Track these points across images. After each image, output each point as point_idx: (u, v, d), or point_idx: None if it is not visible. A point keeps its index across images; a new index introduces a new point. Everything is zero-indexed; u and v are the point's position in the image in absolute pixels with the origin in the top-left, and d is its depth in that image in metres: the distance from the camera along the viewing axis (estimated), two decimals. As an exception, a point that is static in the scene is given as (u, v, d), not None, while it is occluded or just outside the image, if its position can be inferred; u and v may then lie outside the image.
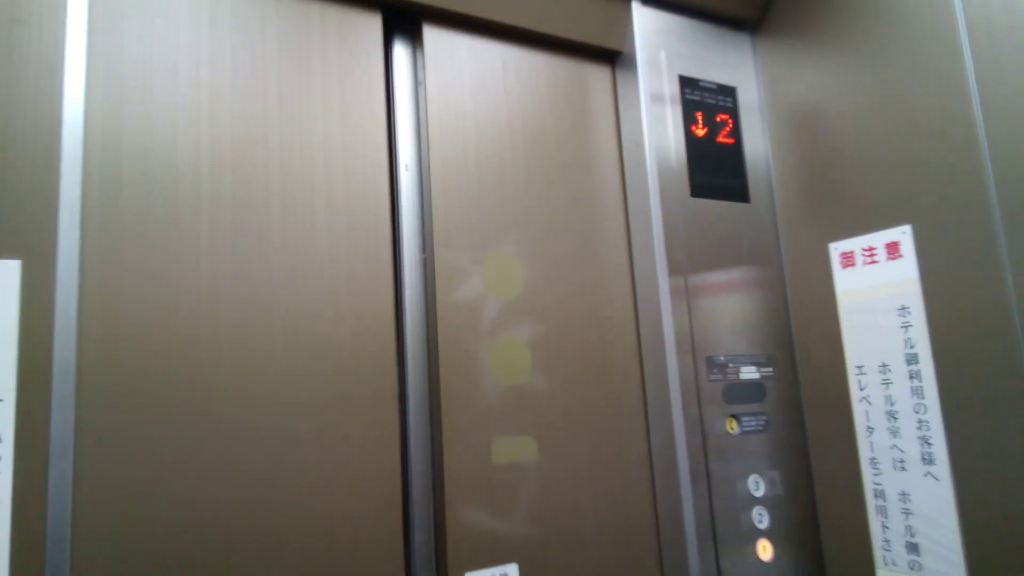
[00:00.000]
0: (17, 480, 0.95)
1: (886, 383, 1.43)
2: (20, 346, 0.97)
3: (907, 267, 1.40)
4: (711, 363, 1.52)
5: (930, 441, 1.36)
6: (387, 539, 1.22)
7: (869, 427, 1.47)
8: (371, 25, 1.38)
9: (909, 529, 1.39)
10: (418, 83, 1.44)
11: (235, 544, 1.10)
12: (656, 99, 1.58)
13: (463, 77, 1.46)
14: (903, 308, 1.40)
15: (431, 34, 1.44)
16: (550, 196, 1.51)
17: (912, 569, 1.38)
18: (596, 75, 1.64)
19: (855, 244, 1.49)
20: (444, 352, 1.33)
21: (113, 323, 1.06)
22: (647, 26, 1.61)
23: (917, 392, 1.38)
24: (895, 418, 1.42)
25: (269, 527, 1.13)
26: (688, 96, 1.61)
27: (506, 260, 1.43)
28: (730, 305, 1.57)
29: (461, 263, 1.38)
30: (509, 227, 1.44)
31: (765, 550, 1.49)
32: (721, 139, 1.63)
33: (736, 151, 1.65)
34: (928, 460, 1.36)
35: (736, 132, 1.66)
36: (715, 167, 1.61)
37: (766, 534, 1.50)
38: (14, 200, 1.00)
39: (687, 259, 1.54)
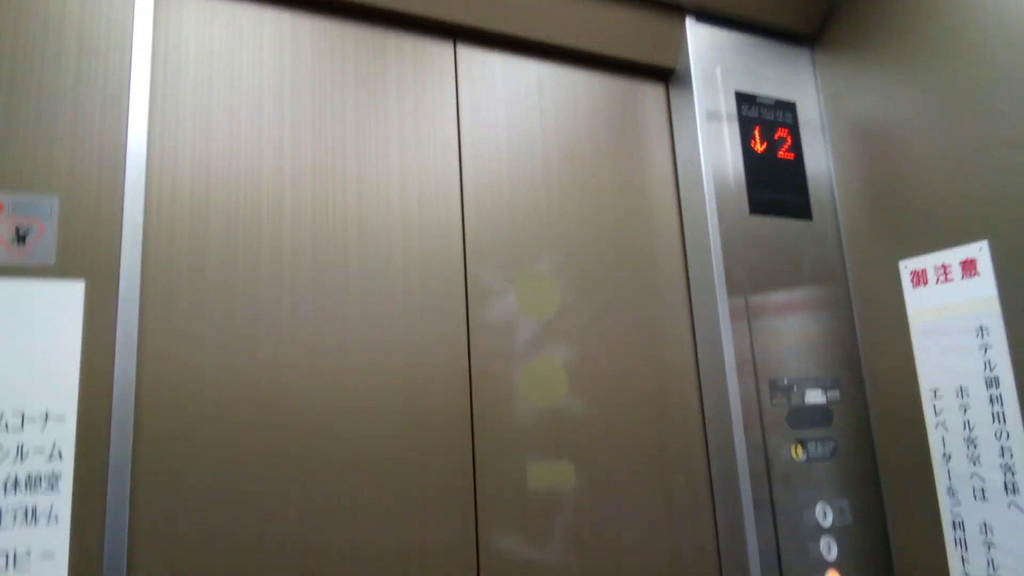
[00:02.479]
0: (76, 498, 0.93)
1: (964, 407, 1.31)
2: (83, 366, 0.95)
3: (984, 285, 1.28)
4: (774, 386, 1.42)
5: (1014, 470, 1.22)
6: (463, 567, 1.16)
7: (946, 454, 1.34)
8: (443, 53, 1.36)
9: (991, 563, 1.26)
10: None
11: (303, 573, 1.06)
12: (712, 116, 1.50)
13: (496, 95, 1.41)
14: (982, 328, 1.28)
15: (464, 53, 1.39)
16: (589, 215, 1.43)
17: (996, 606, 1.25)
18: (647, 92, 1.57)
19: (927, 262, 1.38)
20: (477, 373, 1.26)
21: (174, 346, 1.04)
22: (702, 42, 1.53)
23: (998, 417, 1.25)
24: (975, 445, 1.29)
25: (340, 551, 1.08)
26: (745, 112, 1.53)
27: (540, 279, 1.36)
28: (793, 325, 1.47)
29: (494, 282, 1.31)
30: (542, 246, 1.37)
31: (834, 582, 1.37)
32: (781, 154, 1.54)
33: (797, 166, 1.56)
34: (1012, 490, 1.23)
35: (796, 147, 1.57)
36: (775, 183, 1.52)
37: (835, 566, 1.38)
38: (79, 223, 0.99)
39: (747, 278, 1.44)
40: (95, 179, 1.01)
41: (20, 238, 0.94)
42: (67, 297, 0.96)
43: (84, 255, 0.98)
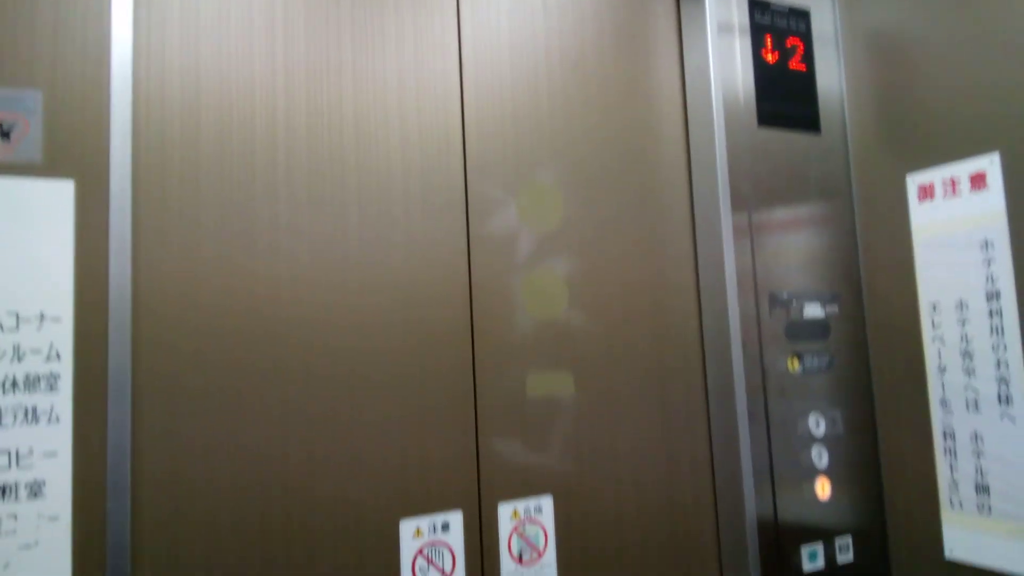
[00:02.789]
0: (77, 398, 0.92)
1: (963, 321, 1.30)
2: (76, 265, 0.93)
3: (993, 199, 1.25)
4: (774, 300, 1.41)
5: (1008, 381, 1.23)
6: (463, 465, 1.18)
7: (941, 367, 1.34)
8: None
9: (980, 471, 1.28)
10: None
11: (305, 485, 1.07)
12: (723, 23, 1.43)
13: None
14: (986, 243, 1.26)
15: None
16: (594, 123, 1.38)
17: (980, 511, 1.28)
18: (657, -3, 1.49)
19: (935, 175, 1.34)
20: (477, 283, 1.24)
21: (170, 245, 1.01)
22: (715, -57, 1.44)
23: (997, 331, 1.25)
24: (971, 357, 1.29)
25: (342, 449, 1.09)
26: (758, 20, 1.46)
27: (542, 190, 1.32)
28: (796, 240, 1.45)
29: (495, 193, 1.28)
30: (545, 156, 1.33)
31: (824, 488, 1.40)
32: (792, 65, 1.48)
33: (808, 78, 1.50)
34: (1006, 401, 1.24)
35: (808, 58, 1.50)
36: (785, 94, 1.46)
37: (825, 473, 1.41)
38: (65, 119, 0.94)
39: (752, 191, 1.41)
40: (79, 72, 0.95)
41: (4, 134, 0.89)
42: (56, 196, 0.92)
43: (72, 153, 0.94)
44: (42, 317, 0.91)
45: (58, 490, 0.90)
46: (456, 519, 1.18)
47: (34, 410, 0.89)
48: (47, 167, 0.92)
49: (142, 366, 0.97)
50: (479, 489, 1.21)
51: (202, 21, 1.07)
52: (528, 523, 1.24)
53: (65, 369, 0.91)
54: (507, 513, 1.23)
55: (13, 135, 0.90)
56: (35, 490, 0.89)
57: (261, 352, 1.06)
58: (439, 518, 1.17)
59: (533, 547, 1.24)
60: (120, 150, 0.96)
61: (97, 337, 0.93)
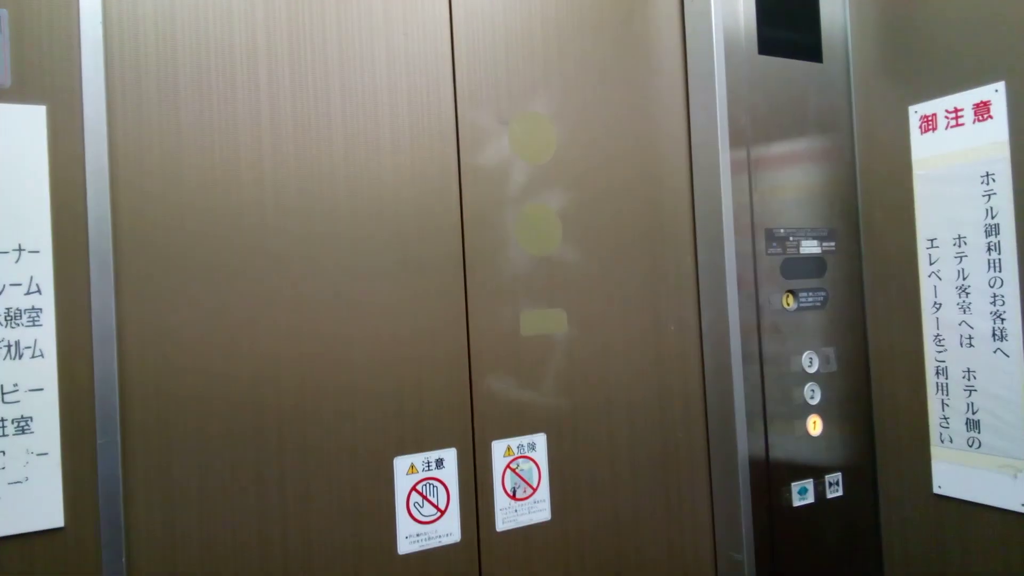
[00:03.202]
0: (61, 332, 0.93)
1: (960, 256, 1.34)
2: (52, 196, 0.93)
3: (996, 129, 1.27)
4: (770, 236, 1.44)
5: (1003, 317, 1.28)
6: (457, 403, 1.21)
7: (936, 303, 1.39)
8: None
9: (971, 406, 1.34)
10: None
11: (298, 423, 1.10)
12: (724, -58, 1.41)
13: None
14: (987, 175, 1.29)
15: None
16: (588, 51, 1.38)
17: (970, 446, 1.34)
18: (656, -84, 1.47)
19: (939, 105, 1.36)
20: (468, 219, 1.26)
21: (149, 171, 1.01)
22: None
23: (994, 265, 1.29)
24: (967, 293, 1.33)
25: (334, 381, 1.12)
26: (760, -61, 1.44)
27: (536, 121, 1.33)
28: (794, 176, 1.47)
29: (486, 123, 1.28)
30: (539, 84, 1.33)
31: (815, 425, 1.46)
32: (794, -11, 1.47)
33: (811, 3, 1.49)
34: (1000, 336, 1.29)
35: (811, -19, 1.50)
36: (787, 21, 1.46)
37: (817, 410, 1.47)
38: (33, 40, 0.93)
39: (751, 124, 1.42)
40: (45, -10, 0.93)
41: (-31, 55, 0.88)
42: (28, 123, 0.91)
43: (42, 77, 0.93)
44: (20, 249, 0.91)
45: (46, 426, 0.92)
46: (450, 456, 1.22)
47: (17, 344, 0.91)
48: (16, 92, 0.91)
49: (125, 296, 0.98)
50: (472, 427, 1.25)
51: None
52: (522, 460, 1.29)
53: (47, 303, 0.92)
54: (501, 450, 1.27)
55: (-21, 56, 0.89)
56: (22, 426, 0.91)
57: (249, 277, 1.07)
58: (433, 455, 1.21)
59: (527, 483, 1.29)
60: (92, 72, 0.95)
61: (78, 268, 0.94)
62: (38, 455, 0.91)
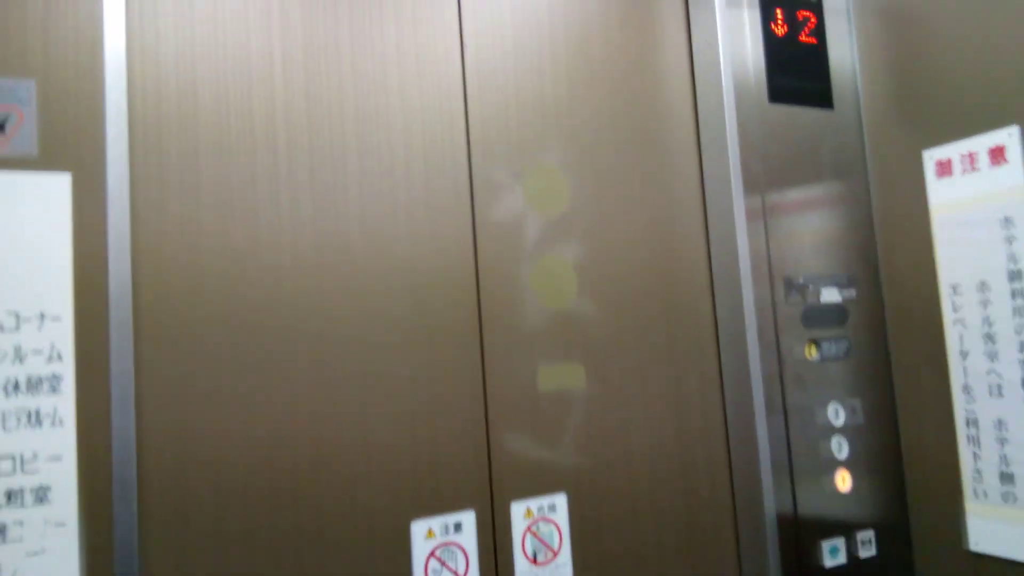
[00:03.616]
0: (80, 399, 0.97)
1: (984, 303, 1.38)
2: (75, 263, 0.97)
3: (1013, 174, 1.32)
4: (789, 284, 1.48)
5: (1033, 365, 1.31)
6: (474, 463, 1.24)
7: (963, 351, 1.42)
8: None
9: (1004, 459, 1.36)
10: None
11: (314, 486, 1.12)
12: (731, -5, 1.49)
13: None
14: (1006, 220, 1.33)
15: None
16: (599, 104, 1.44)
17: (1005, 501, 1.35)
18: (663, -29, 1.55)
19: (953, 150, 1.42)
20: (484, 273, 1.30)
21: (170, 237, 1.06)
22: (721, -88, 1.51)
23: (1020, 312, 1.32)
24: (993, 341, 1.37)
25: (350, 442, 1.15)
26: (766, -9, 1.52)
27: (548, 173, 1.38)
28: (810, 222, 1.52)
29: (500, 177, 1.34)
30: (551, 137, 1.39)
31: (844, 481, 1.47)
32: (803, 38, 1.55)
33: (820, 52, 1.57)
34: (1030, 385, 1.31)
35: (819, 31, 1.57)
36: (796, 69, 1.53)
37: (845, 464, 1.48)
38: (60, 110, 0.99)
39: (764, 171, 1.48)
40: (72, 59, 1.00)
41: (-2, 126, 0.94)
42: (54, 190, 0.97)
43: (68, 145, 0.99)
44: (42, 316, 0.95)
45: (64, 495, 0.95)
46: (469, 519, 1.24)
47: (37, 413, 0.94)
48: (43, 160, 0.97)
49: (144, 363, 1.02)
50: (491, 488, 1.27)
51: (196, 4, 1.12)
52: (542, 522, 1.30)
53: (67, 370, 0.96)
54: (520, 512, 1.29)
55: (8, 127, 0.94)
56: (41, 496, 0.94)
57: (266, 344, 1.11)
58: (451, 518, 1.23)
59: (548, 547, 1.30)
60: (116, 140, 1.01)
61: (98, 335, 0.98)
62: (56, 525, 0.94)
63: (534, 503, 1.30)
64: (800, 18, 1.55)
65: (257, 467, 1.09)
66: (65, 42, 1.00)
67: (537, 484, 1.31)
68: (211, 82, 1.11)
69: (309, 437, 1.13)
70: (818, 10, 1.57)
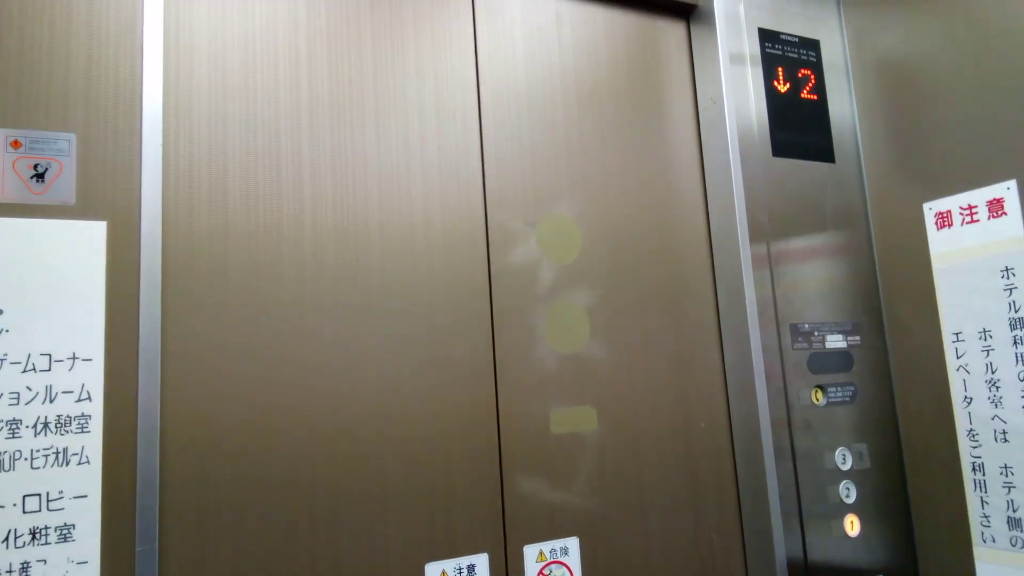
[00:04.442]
0: (107, 438, 0.97)
1: (987, 350, 1.37)
2: (107, 307, 0.99)
3: (1012, 225, 1.33)
4: (795, 331, 1.48)
5: (1037, 411, 1.30)
6: (488, 506, 1.22)
7: (967, 397, 1.41)
8: None
9: (1011, 504, 1.34)
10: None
11: (330, 530, 1.12)
12: (735, 54, 1.53)
13: (514, 30, 1.43)
14: (1007, 270, 1.34)
15: None
16: (609, 156, 1.47)
17: (1013, 546, 1.33)
18: (668, 30, 1.59)
19: (953, 203, 1.43)
20: (498, 318, 1.31)
21: (198, 286, 1.08)
22: (724, -23, 1.55)
23: (1022, 359, 1.32)
24: (997, 387, 1.36)
25: (366, 483, 1.15)
26: (768, 50, 1.56)
27: (561, 222, 1.40)
28: (815, 271, 1.53)
29: (514, 226, 1.36)
30: (564, 188, 1.41)
31: (853, 526, 1.45)
32: (804, 95, 1.58)
33: (820, 108, 1.59)
34: (1035, 431, 1.30)
35: (820, 88, 1.60)
36: (798, 125, 1.56)
37: (854, 509, 1.46)
38: (98, 161, 1.02)
39: (769, 222, 1.49)
40: (111, 115, 1.03)
41: (39, 175, 0.96)
42: (89, 237, 0.99)
43: (104, 195, 1.01)
44: (74, 358, 0.96)
45: (87, 533, 0.94)
46: (482, 561, 1.22)
47: (65, 452, 0.94)
48: (80, 209, 0.99)
49: (170, 407, 1.03)
50: (504, 531, 1.25)
51: (228, 64, 1.16)
52: (554, 565, 1.28)
53: (96, 410, 0.97)
54: (533, 555, 1.27)
55: (47, 177, 0.97)
56: (65, 534, 0.93)
57: (286, 389, 1.12)
58: (464, 561, 1.21)
59: (560, 589, 1.28)
60: (151, 192, 1.03)
61: (127, 377, 0.99)
62: (78, 564, 0.94)
63: (547, 546, 1.29)
64: (801, 76, 1.58)
65: (275, 506, 1.08)
66: (106, 98, 1.03)
67: (550, 528, 1.30)
68: (241, 137, 1.14)
69: (327, 477, 1.13)
70: (818, 68, 1.61)
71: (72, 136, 1.00)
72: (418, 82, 1.31)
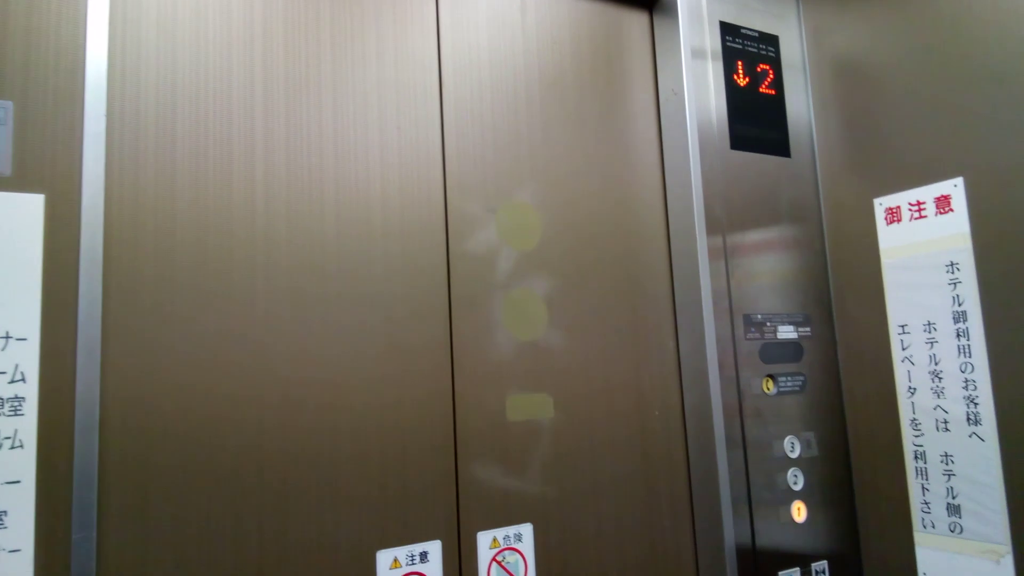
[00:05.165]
0: (42, 421, 0.91)
1: (931, 342, 1.39)
2: (44, 285, 0.92)
3: (958, 221, 1.34)
4: (748, 322, 1.48)
5: (976, 401, 1.31)
6: (442, 493, 1.19)
7: (911, 387, 1.42)
8: None
9: (951, 491, 1.36)
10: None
11: (279, 516, 1.07)
12: (696, 46, 1.51)
13: (478, 16, 1.39)
14: (952, 264, 1.35)
15: None
16: (571, 145, 1.44)
17: (952, 531, 1.35)
18: (631, 21, 1.57)
19: (902, 199, 1.44)
20: (456, 304, 1.28)
21: (143, 263, 1.02)
22: (687, -31, 1.54)
23: (964, 351, 1.33)
24: (939, 378, 1.37)
25: (317, 470, 1.10)
26: (729, 44, 1.55)
27: (522, 209, 1.37)
28: (768, 263, 1.52)
29: (475, 211, 1.32)
30: (525, 175, 1.38)
31: (800, 512, 1.46)
32: (763, 90, 1.57)
33: (778, 103, 1.59)
34: (974, 421, 1.32)
35: (778, 83, 1.60)
36: (756, 118, 1.55)
37: (801, 496, 1.47)
38: (36, 132, 0.95)
39: (725, 214, 1.48)
40: (51, 83, 0.96)
41: (-29, 145, 0.90)
42: (26, 211, 0.92)
43: (42, 167, 0.94)
44: (7, 337, 0.90)
45: (20, 520, 0.89)
46: (435, 548, 1.19)
47: (-4, 435, 0.88)
48: (16, 181, 0.92)
49: (110, 390, 0.97)
50: (458, 517, 1.22)
51: (179, 34, 1.09)
52: (508, 552, 1.26)
53: (31, 391, 0.90)
54: (486, 542, 1.25)
55: (-19, 147, 0.90)
56: (-5, 521, 0.87)
57: (235, 375, 1.07)
58: (417, 548, 1.18)
59: (513, 576, 1.26)
60: (93, 164, 0.97)
61: (64, 359, 0.93)
62: (10, 552, 0.88)
63: (500, 533, 1.26)
64: (760, 70, 1.58)
65: (221, 491, 1.03)
66: (46, 65, 0.97)
67: (504, 514, 1.27)
68: (191, 110, 1.08)
69: (276, 462, 1.08)
70: (777, 63, 1.60)
71: (9, 104, 0.93)
72: (378, 63, 1.26)
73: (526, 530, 1.28)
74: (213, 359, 1.05)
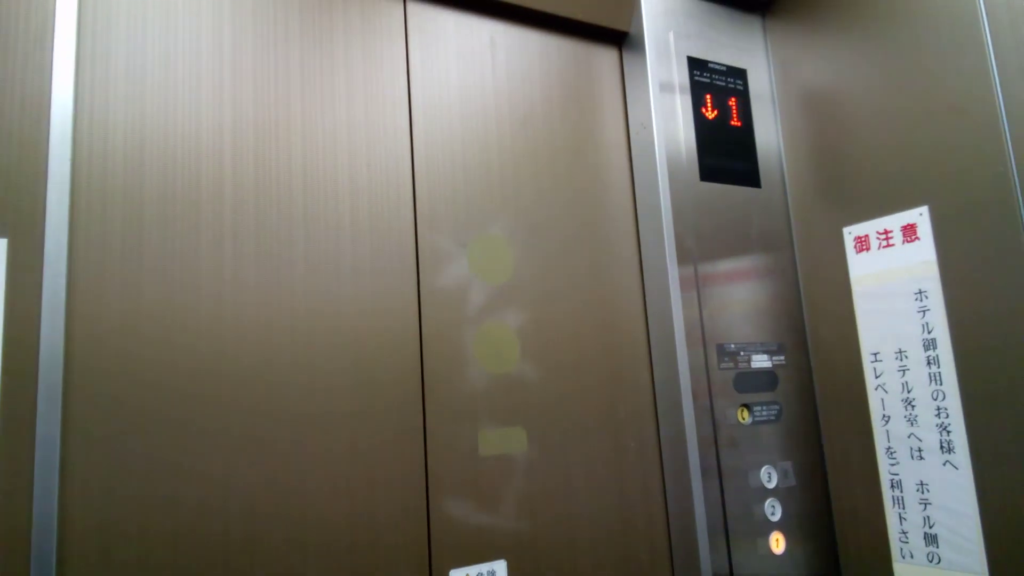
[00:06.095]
0: (2, 468, 0.90)
1: (903, 370, 1.38)
2: (4, 330, 0.92)
3: (924, 250, 1.35)
4: (722, 351, 1.47)
5: (949, 429, 1.30)
6: (413, 531, 1.17)
7: (885, 415, 1.41)
8: (393, 8, 1.34)
9: (927, 520, 1.34)
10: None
11: (246, 554, 1.05)
12: (664, 81, 1.53)
13: (448, 53, 1.40)
14: (920, 292, 1.35)
15: (415, 9, 1.38)
16: (541, 179, 1.45)
17: (930, 561, 1.33)
18: (601, 57, 1.58)
19: (870, 227, 1.44)
20: (427, 338, 1.27)
21: (107, 308, 1.01)
22: (655, 7, 1.55)
23: (935, 379, 1.33)
24: (912, 406, 1.37)
25: (285, 508, 1.08)
26: (697, 78, 1.56)
27: (494, 243, 1.37)
28: (741, 292, 1.52)
29: (446, 246, 1.32)
30: (496, 209, 1.39)
31: (778, 543, 1.44)
32: (732, 122, 1.58)
33: (747, 134, 1.60)
34: (947, 449, 1.31)
35: (746, 115, 1.61)
36: (725, 150, 1.56)
37: (779, 527, 1.45)
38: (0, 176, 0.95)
39: (696, 245, 1.49)
40: (16, 126, 0.96)
41: (-68, 191, 0.89)
42: (-13, 255, 0.92)
43: (7, 211, 0.94)
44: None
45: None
46: (406, 586, 1.17)
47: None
48: (-23, 225, 0.92)
49: (73, 437, 0.96)
50: (430, 555, 1.20)
51: (147, 78, 1.10)
52: (481, 588, 1.24)
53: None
54: (459, 578, 1.23)
55: (-57, 193, 0.90)
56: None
57: (202, 415, 1.06)
58: (388, 586, 1.16)
59: (486, 613, 1.24)
60: (57, 208, 0.96)
61: (24, 402, 0.92)
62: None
63: (473, 570, 1.24)
64: (729, 103, 1.59)
65: (187, 540, 1.01)
66: (11, 108, 0.97)
67: (477, 551, 1.25)
68: (159, 154, 1.08)
69: (242, 502, 1.06)
70: (745, 96, 1.62)
71: (-28, 150, 0.94)
72: (348, 102, 1.27)
73: (500, 567, 1.26)
74: (178, 398, 1.04)
